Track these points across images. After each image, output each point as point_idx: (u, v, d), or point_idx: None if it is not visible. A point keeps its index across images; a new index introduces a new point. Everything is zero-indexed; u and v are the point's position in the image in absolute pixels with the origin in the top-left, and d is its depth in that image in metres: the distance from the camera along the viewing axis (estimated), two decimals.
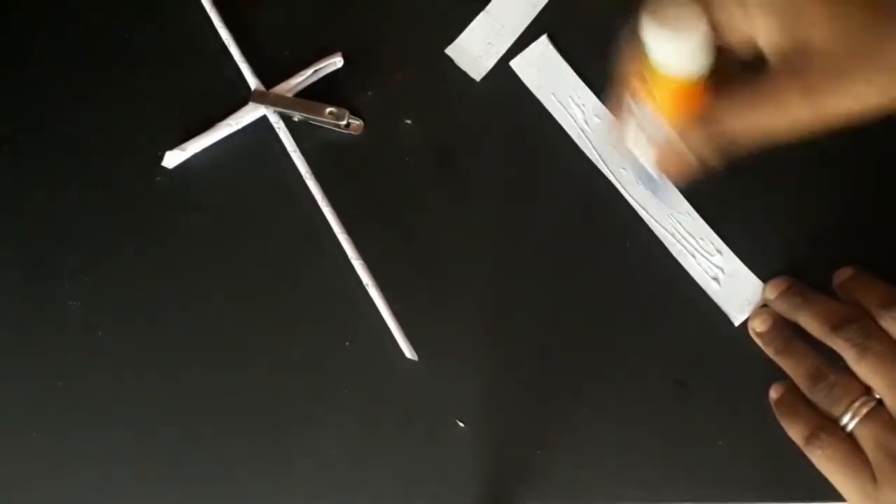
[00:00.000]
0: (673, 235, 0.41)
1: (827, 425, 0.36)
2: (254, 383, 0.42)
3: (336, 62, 0.43)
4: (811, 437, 0.36)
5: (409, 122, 0.43)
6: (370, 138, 0.43)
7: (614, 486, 0.40)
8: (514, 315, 0.41)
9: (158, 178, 0.43)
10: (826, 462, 0.35)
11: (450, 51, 0.44)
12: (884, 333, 0.35)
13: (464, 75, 0.43)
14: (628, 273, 0.41)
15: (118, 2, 0.45)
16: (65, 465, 0.42)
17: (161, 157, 0.43)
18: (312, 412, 0.41)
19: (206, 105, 0.43)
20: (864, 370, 0.35)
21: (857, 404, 0.35)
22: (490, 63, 0.43)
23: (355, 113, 0.43)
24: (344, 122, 0.42)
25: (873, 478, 0.34)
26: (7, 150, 0.44)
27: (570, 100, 0.42)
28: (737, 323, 0.40)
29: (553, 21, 0.43)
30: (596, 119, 0.42)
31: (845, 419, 0.35)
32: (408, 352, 0.40)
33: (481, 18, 0.44)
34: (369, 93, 0.44)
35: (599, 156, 0.42)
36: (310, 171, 0.42)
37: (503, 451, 0.40)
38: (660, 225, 0.41)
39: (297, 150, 0.42)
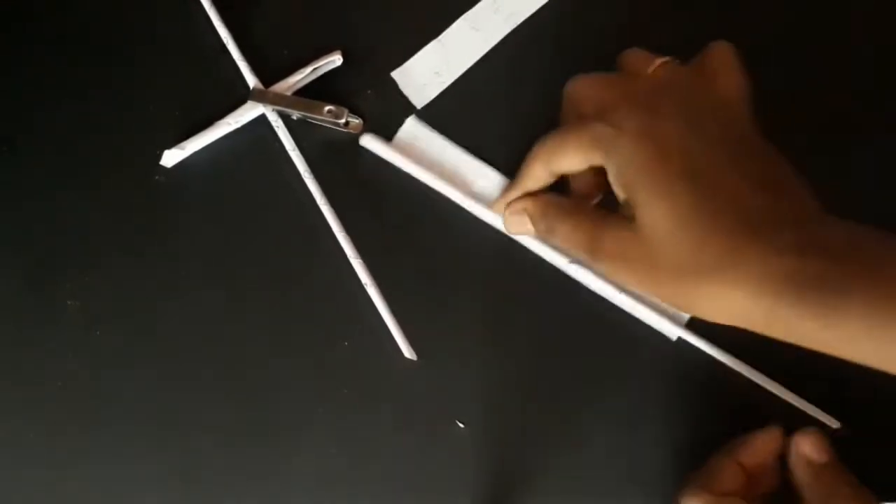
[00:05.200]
0: None
1: None
2: (253, 383, 0.42)
3: (335, 60, 0.43)
4: None
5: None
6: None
7: (614, 486, 0.40)
8: (513, 315, 0.41)
9: (157, 178, 0.43)
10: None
11: (396, 74, 0.43)
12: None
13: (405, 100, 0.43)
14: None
15: (117, 0, 0.45)
16: (65, 465, 0.42)
17: (160, 156, 0.43)
18: (312, 412, 0.41)
19: (204, 104, 0.43)
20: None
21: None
22: (433, 93, 0.43)
23: (354, 112, 0.43)
24: (343, 121, 0.42)
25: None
26: (7, 150, 0.44)
27: None
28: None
29: (503, 59, 0.43)
30: None
31: None
32: (407, 352, 0.40)
33: (433, 47, 0.44)
34: (368, 91, 0.44)
35: None
36: (309, 170, 0.42)
37: (502, 451, 0.40)
38: None
39: (296, 148, 0.42)
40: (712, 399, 0.40)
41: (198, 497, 0.41)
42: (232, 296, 0.42)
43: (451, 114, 0.43)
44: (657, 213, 0.30)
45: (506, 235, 0.41)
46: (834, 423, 0.39)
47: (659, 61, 0.34)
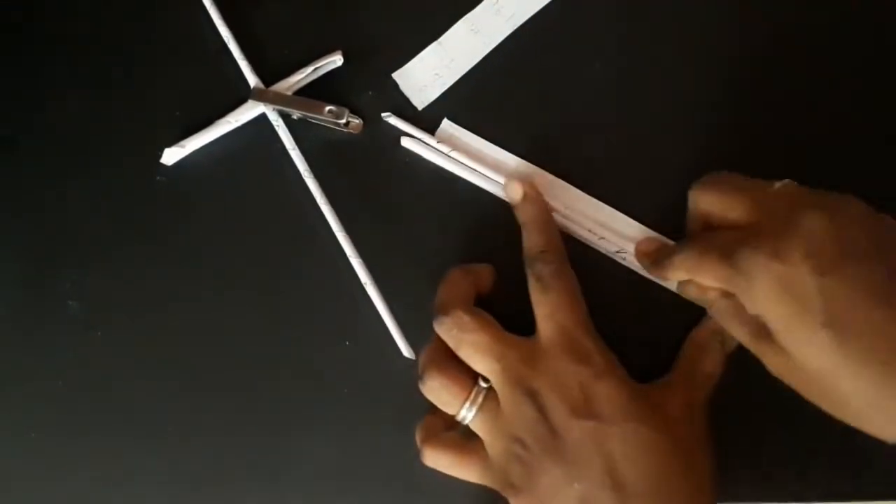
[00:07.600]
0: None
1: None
2: (253, 382, 0.42)
3: (336, 60, 0.43)
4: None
5: None
6: (369, 137, 0.43)
7: None
8: (510, 314, 0.41)
9: (157, 177, 0.43)
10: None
11: (397, 76, 0.43)
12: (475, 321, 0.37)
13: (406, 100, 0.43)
14: (629, 273, 0.41)
15: (118, 0, 0.45)
16: (64, 465, 0.42)
17: (160, 155, 0.43)
18: (311, 411, 0.41)
19: (205, 102, 0.43)
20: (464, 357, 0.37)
21: (468, 402, 0.37)
22: (434, 94, 0.43)
23: (355, 112, 0.43)
24: (343, 121, 0.42)
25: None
26: (8, 149, 0.44)
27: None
28: None
29: (504, 60, 0.43)
30: None
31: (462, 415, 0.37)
32: (406, 351, 0.40)
33: (433, 49, 0.44)
34: (369, 92, 0.44)
35: None
36: (309, 170, 0.42)
37: None
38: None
39: (297, 148, 0.42)
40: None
41: (197, 496, 0.41)
42: (231, 295, 0.42)
43: (451, 116, 0.43)
44: (805, 357, 0.32)
45: (502, 233, 0.41)
46: None
47: (779, 184, 0.35)
